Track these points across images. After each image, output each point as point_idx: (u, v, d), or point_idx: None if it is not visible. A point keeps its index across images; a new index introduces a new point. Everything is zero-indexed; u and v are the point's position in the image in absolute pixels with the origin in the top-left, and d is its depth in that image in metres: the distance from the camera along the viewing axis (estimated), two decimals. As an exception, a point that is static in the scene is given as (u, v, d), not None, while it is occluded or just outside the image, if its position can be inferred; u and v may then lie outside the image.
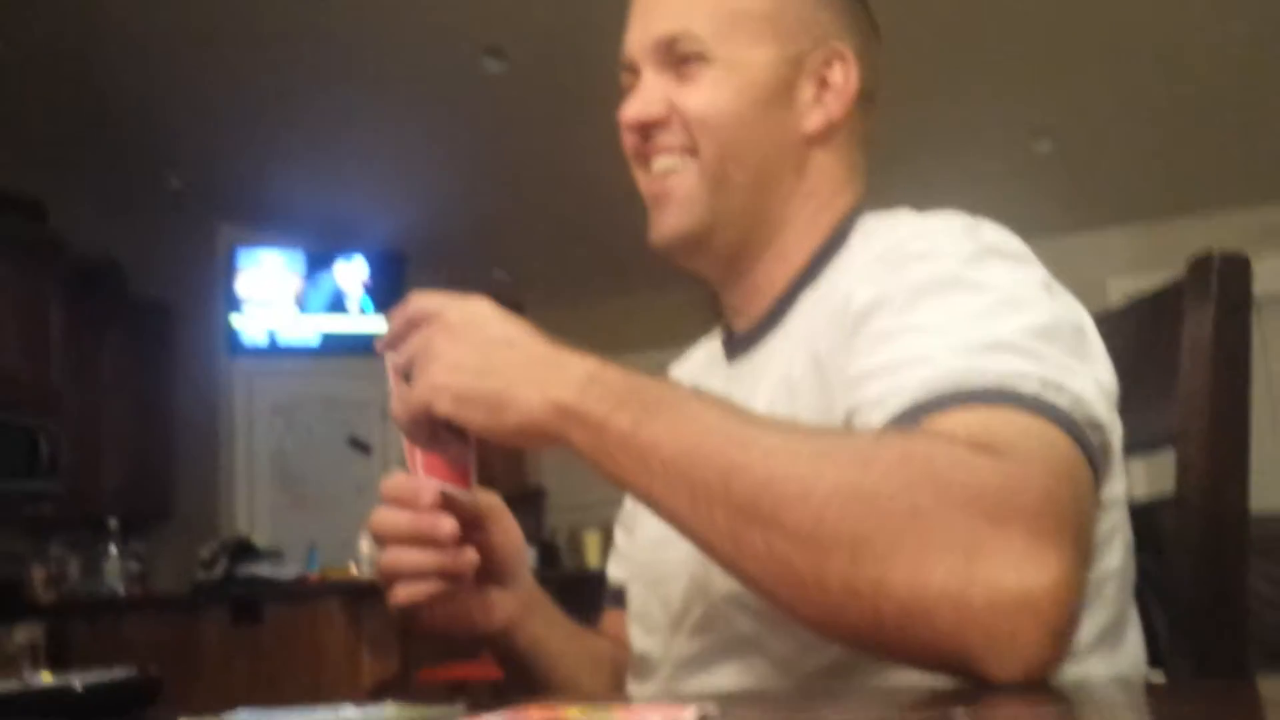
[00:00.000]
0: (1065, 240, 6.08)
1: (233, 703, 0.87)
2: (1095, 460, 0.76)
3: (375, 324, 7.04)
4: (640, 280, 7.34)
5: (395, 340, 0.92)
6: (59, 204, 5.96)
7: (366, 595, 4.85)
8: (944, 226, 0.93)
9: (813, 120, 1.05)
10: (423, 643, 4.87)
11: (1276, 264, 5.88)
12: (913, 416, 0.76)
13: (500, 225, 6.82)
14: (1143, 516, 0.96)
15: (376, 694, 4.61)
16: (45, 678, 1.39)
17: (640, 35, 1.06)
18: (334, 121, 5.64)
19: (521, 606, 1.07)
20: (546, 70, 5.16)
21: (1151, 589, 0.96)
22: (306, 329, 6.96)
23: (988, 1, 4.52)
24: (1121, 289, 6.01)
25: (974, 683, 0.66)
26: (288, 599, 5.08)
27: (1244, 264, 0.97)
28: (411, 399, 0.86)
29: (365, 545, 5.54)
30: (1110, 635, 0.88)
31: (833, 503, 0.67)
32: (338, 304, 7.00)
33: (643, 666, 1.09)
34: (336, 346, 6.97)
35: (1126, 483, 0.91)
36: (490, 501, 1.04)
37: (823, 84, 1.06)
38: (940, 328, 0.81)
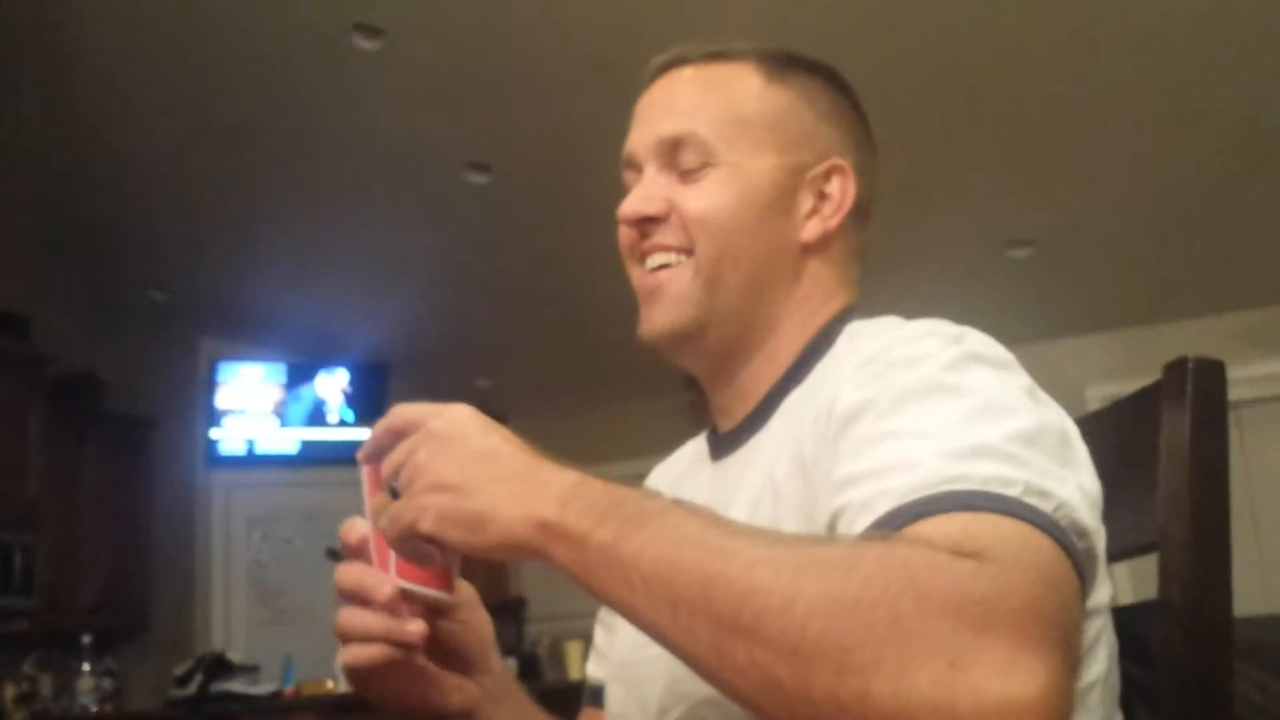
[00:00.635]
0: (1043, 346, 6.14)
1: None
2: (1081, 566, 0.75)
3: (356, 433, 7.02)
4: (623, 390, 7.36)
5: (377, 452, 0.92)
6: (40, 317, 5.99)
7: (343, 711, 4.77)
8: (929, 333, 0.93)
9: (809, 230, 1.07)
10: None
11: (1254, 369, 5.95)
12: (897, 521, 0.75)
13: (483, 334, 6.85)
14: (1126, 621, 0.95)
15: (353, 814, 4.51)
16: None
17: (645, 134, 1.08)
18: (316, 234, 5.70)
19: (484, 694, 1.07)
20: (529, 182, 5.24)
21: (1136, 695, 0.95)
22: (285, 439, 6.93)
23: (964, 110, 4.61)
24: (1100, 395, 6.04)
25: None
26: (263, 716, 4.99)
27: (1219, 369, 0.98)
28: (396, 516, 0.86)
29: (340, 662, 5.46)
30: None
31: (815, 614, 0.66)
32: (318, 414, 6.99)
33: None
34: (315, 456, 6.93)
35: (1111, 589, 0.91)
36: (465, 592, 1.04)
37: (821, 196, 1.08)
38: (924, 433, 0.80)
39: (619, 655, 1.12)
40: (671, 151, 1.05)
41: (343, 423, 7.03)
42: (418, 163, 5.10)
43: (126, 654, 6.25)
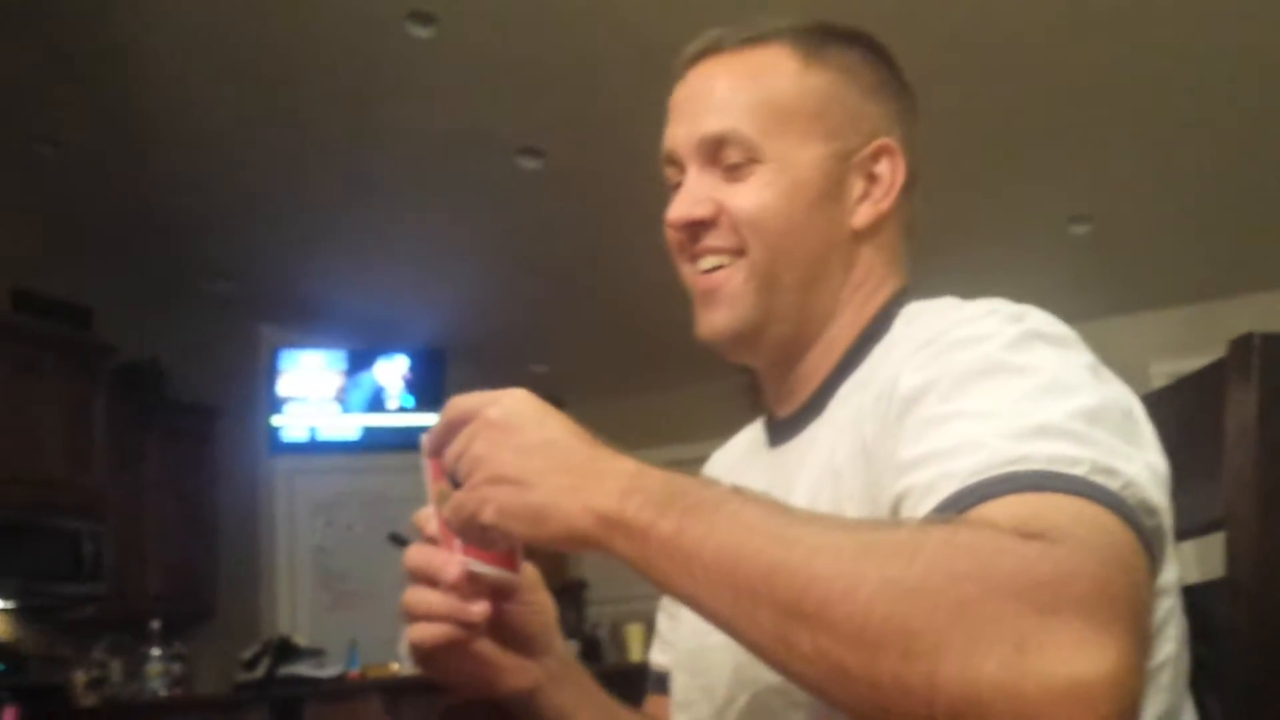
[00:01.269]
0: (1106, 324, 6.05)
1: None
2: (1150, 545, 0.74)
3: (416, 419, 7.07)
4: (677, 373, 7.35)
5: (439, 445, 0.94)
6: (104, 307, 6.09)
7: (407, 692, 4.82)
8: (989, 312, 0.92)
9: (861, 215, 1.06)
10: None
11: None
12: (962, 504, 0.75)
13: (538, 320, 6.87)
14: (1193, 600, 0.94)
15: (418, 795, 4.56)
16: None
17: (686, 131, 1.06)
18: (373, 221, 5.74)
19: (547, 675, 1.07)
20: (581, 166, 5.24)
21: (1202, 675, 0.94)
22: (347, 425, 7.00)
23: (1023, 87, 4.56)
24: (1163, 372, 5.96)
25: None
26: (329, 698, 5.06)
27: None
28: (459, 507, 0.88)
29: (406, 642, 5.51)
30: None
31: (879, 599, 0.66)
32: (378, 400, 7.05)
33: None
34: (377, 442, 7.00)
35: (1179, 568, 0.89)
36: (528, 575, 1.05)
37: (870, 178, 1.06)
38: (988, 413, 0.80)
39: (683, 643, 1.13)
40: (714, 150, 1.04)
41: (402, 408, 7.08)
42: (471, 149, 5.12)
43: (194, 639, 6.34)
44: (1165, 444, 0.87)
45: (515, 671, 1.05)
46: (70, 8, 4.29)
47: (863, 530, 0.73)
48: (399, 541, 7.18)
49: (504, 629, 1.03)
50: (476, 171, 5.30)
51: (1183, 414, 1.03)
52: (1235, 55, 4.41)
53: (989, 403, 0.81)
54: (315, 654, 5.54)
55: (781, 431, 1.10)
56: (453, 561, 0.94)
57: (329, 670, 5.40)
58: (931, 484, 0.78)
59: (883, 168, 1.06)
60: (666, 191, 1.10)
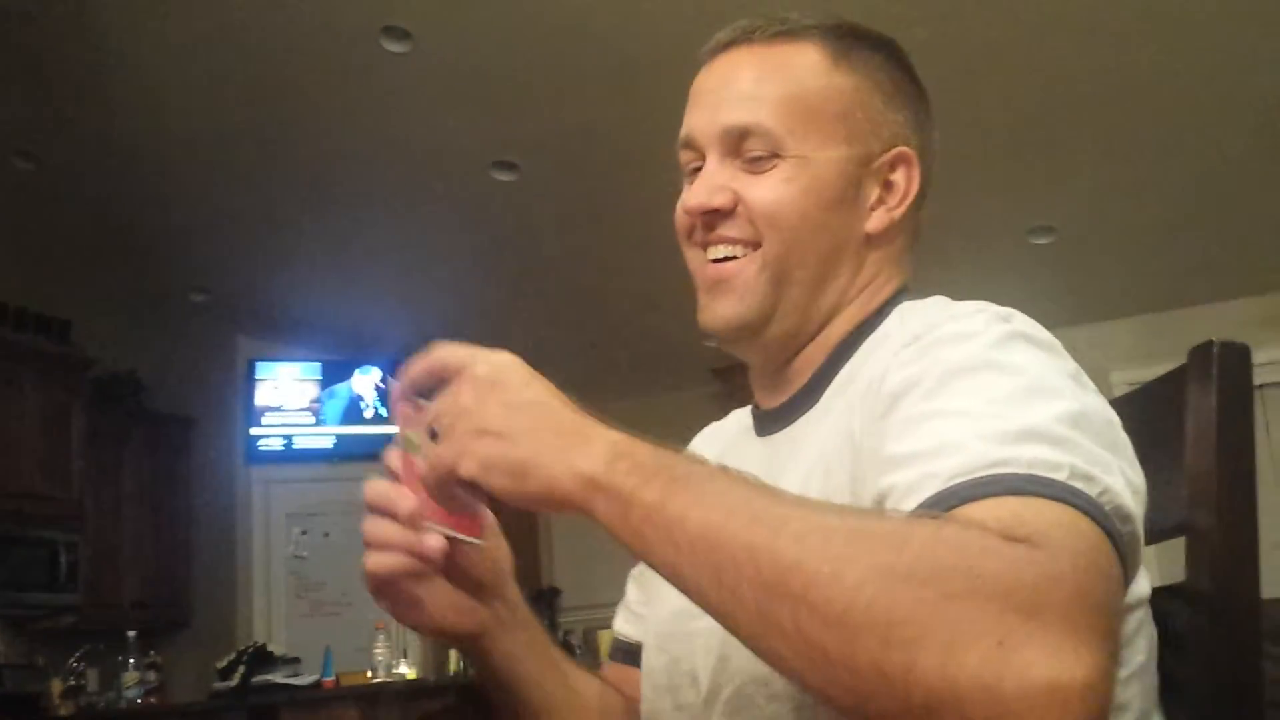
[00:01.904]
0: (1067, 333, 5.95)
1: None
2: (1124, 553, 0.74)
3: (390, 429, 7.08)
4: (648, 381, 7.41)
5: (413, 388, 0.93)
6: (82, 319, 6.08)
7: (383, 699, 4.84)
8: (976, 311, 0.92)
9: (874, 221, 1.06)
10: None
11: (1276, 352, 5.95)
12: (943, 504, 0.74)
13: (511, 329, 6.90)
14: (1154, 606, 0.94)
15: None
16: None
17: (709, 119, 1.05)
18: (348, 234, 5.76)
19: (496, 621, 1.06)
20: (555, 178, 5.28)
21: (1165, 681, 0.94)
22: (322, 435, 7.02)
23: (984, 98, 4.62)
24: (1125, 380, 6.04)
25: None
26: (304, 706, 5.07)
27: (1244, 352, 0.97)
28: (437, 459, 0.86)
29: (380, 650, 5.54)
30: None
31: (865, 585, 0.65)
32: (353, 410, 7.06)
33: None
34: (352, 451, 7.01)
35: (1150, 579, 0.90)
36: (484, 519, 1.03)
37: (886, 186, 1.06)
38: (970, 412, 0.80)
39: (662, 625, 1.11)
40: (737, 141, 1.03)
41: (377, 418, 7.11)
42: (446, 162, 5.15)
43: (170, 647, 6.34)
44: (1127, 451, 0.89)
45: (465, 613, 1.04)
46: (47, 22, 4.30)
47: (851, 516, 0.73)
48: (375, 550, 7.23)
49: (458, 572, 1.02)
50: (452, 184, 5.33)
51: (1144, 421, 1.02)
52: (1197, 69, 4.48)
53: (972, 401, 0.81)
54: (291, 662, 5.56)
55: (770, 421, 1.10)
56: (410, 498, 0.93)
57: (305, 678, 5.42)
58: (913, 484, 0.77)
59: (899, 176, 1.06)
60: (677, 174, 1.10)
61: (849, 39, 1.07)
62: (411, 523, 0.94)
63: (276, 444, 6.91)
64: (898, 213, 1.07)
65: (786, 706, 0.90)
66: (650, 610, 1.17)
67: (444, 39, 4.36)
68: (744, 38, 1.07)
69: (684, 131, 1.08)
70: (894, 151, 1.06)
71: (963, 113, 4.59)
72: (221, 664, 5.46)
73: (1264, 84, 4.57)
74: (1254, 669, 0.91)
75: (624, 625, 1.25)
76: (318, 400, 7.01)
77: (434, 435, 0.87)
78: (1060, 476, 0.74)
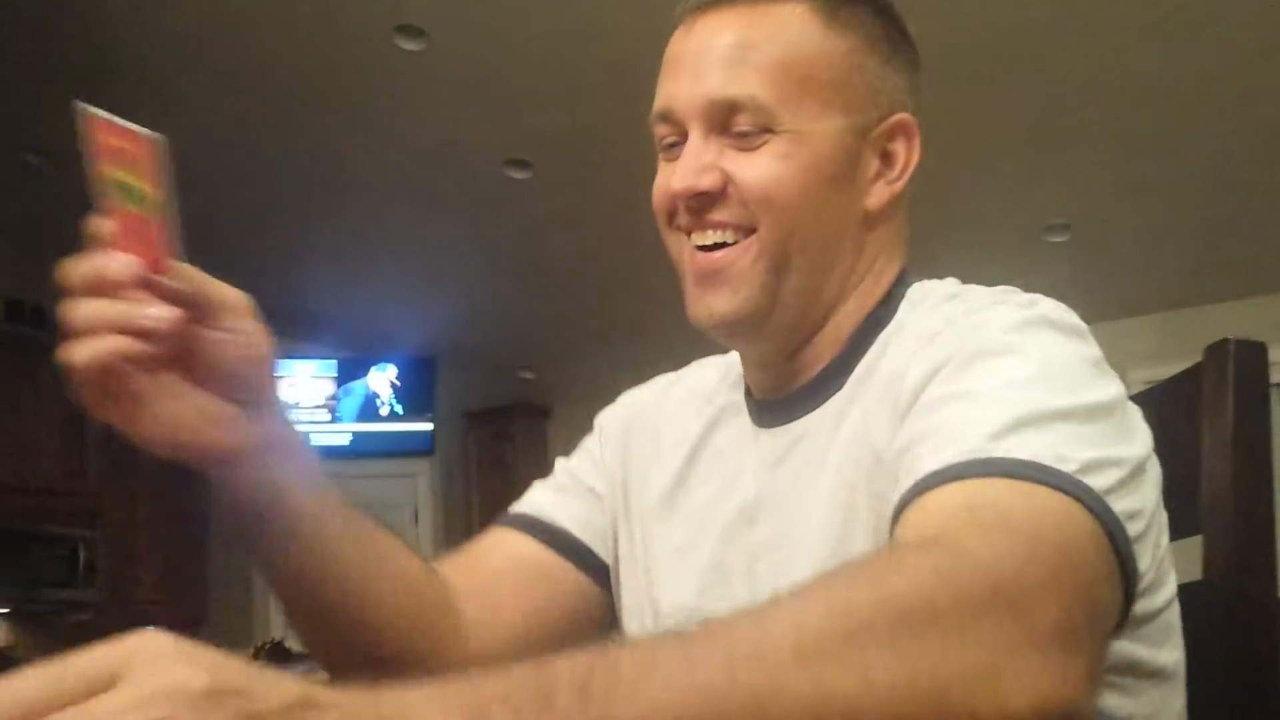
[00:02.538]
0: (1084, 330, 6.10)
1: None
2: (1122, 550, 0.70)
3: (405, 426, 7.11)
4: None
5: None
6: (96, 315, 6.10)
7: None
8: (997, 300, 0.90)
9: (875, 197, 0.97)
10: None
11: (1296, 349, 5.92)
12: (934, 482, 0.71)
13: (525, 327, 6.91)
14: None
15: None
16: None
17: (689, 89, 0.94)
18: (363, 232, 5.77)
19: (260, 436, 0.84)
20: (568, 177, 5.28)
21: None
22: (338, 433, 7.04)
23: (998, 95, 4.61)
24: (1140, 379, 5.98)
25: None
26: (322, 703, 5.07)
27: (1260, 350, 0.98)
28: None
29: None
30: None
31: (862, 676, 0.54)
32: (369, 408, 7.08)
33: None
34: (367, 448, 7.03)
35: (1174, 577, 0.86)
36: (230, 295, 0.85)
37: (885, 157, 0.98)
38: (984, 394, 0.77)
39: (662, 608, 1.02)
40: (725, 115, 0.93)
41: (393, 416, 7.12)
42: (460, 160, 5.16)
43: (187, 644, 6.36)
44: (1144, 449, 0.88)
45: (216, 422, 0.82)
46: (60, 18, 4.31)
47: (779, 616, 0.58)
48: (390, 547, 7.26)
49: (202, 367, 0.81)
50: (465, 182, 5.33)
51: (1160, 419, 1.01)
52: (1214, 65, 4.45)
53: (987, 383, 0.78)
54: (308, 658, 5.55)
55: (773, 413, 1.01)
56: (130, 263, 0.75)
57: (322, 675, 5.43)
58: (911, 465, 0.75)
59: (898, 145, 0.98)
60: (653, 149, 1.00)
61: None
62: (133, 287, 0.74)
63: (292, 441, 6.94)
64: (898, 185, 0.98)
65: None
66: (595, 508, 1.10)
67: (458, 37, 4.36)
68: None
69: (660, 103, 0.97)
70: (893, 119, 0.97)
71: (977, 109, 4.57)
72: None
73: (1277, 78, 4.53)
74: (1270, 668, 0.91)
75: (551, 506, 1.11)
76: (333, 398, 7.03)
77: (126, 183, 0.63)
78: (1066, 468, 0.71)
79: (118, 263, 0.76)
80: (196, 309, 0.80)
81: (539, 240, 5.87)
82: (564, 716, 0.49)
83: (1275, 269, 6.10)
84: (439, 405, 7.32)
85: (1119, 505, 0.72)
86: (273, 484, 0.86)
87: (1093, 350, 0.85)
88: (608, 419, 1.18)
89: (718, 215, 0.93)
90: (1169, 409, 1.02)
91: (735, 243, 0.93)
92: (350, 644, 0.94)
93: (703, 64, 0.94)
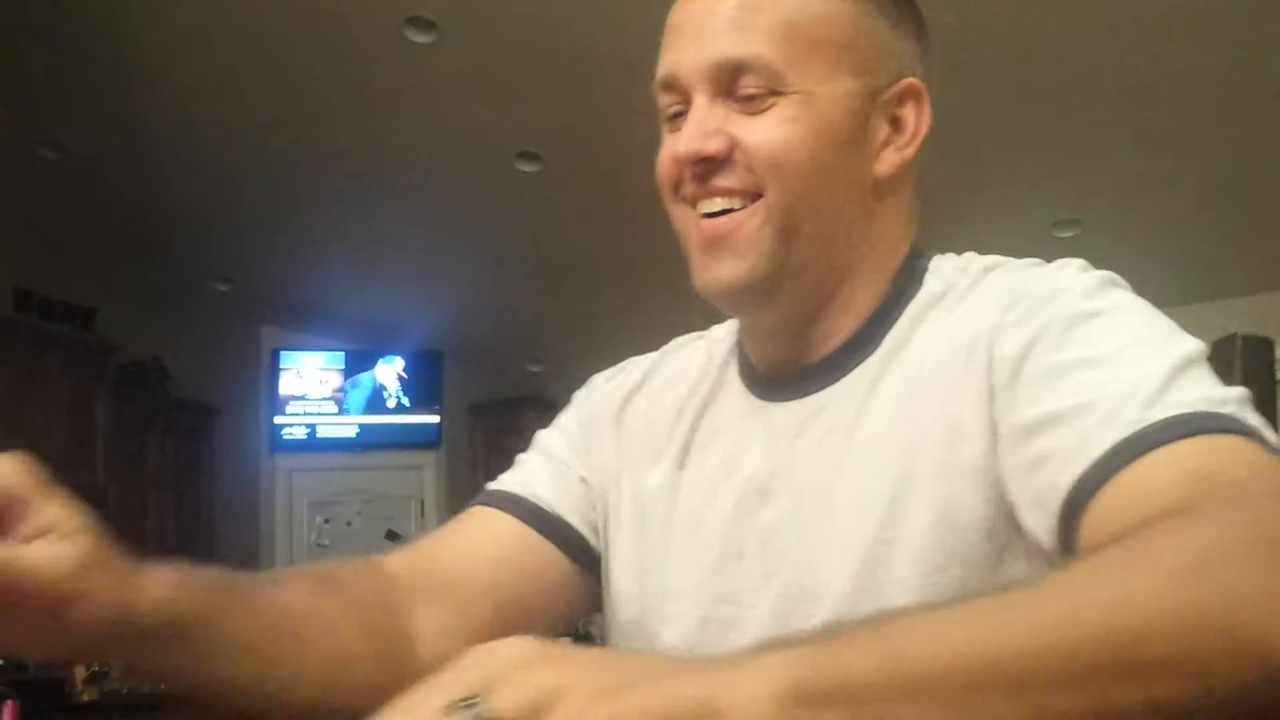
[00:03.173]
0: (1093, 325, 6.10)
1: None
2: None
3: (412, 418, 7.13)
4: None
5: None
6: (106, 308, 6.12)
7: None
8: (1061, 264, 0.89)
9: (884, 163, 0.94)
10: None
11: (1303, 345, 5.92)
12: (1126, 454, 0.70)
13: (533, 320, 6.91)
14: None
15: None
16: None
17: (695, 54, 0.91)
18: (372, 224, 5.78)
19: (120, 625, 0.73)
20: (578, 170, 5.29)
21: None
22: (345, 424, 7.06)
23: (1009, 90, 4.61)
24: (1150, 373, 6.01)
25: None
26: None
27: (1267, 345, 0.97)
28: None
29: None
30: None
31: (1179, 606, 0.53)
32: (376, 400, 7.10)
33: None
34: (374, 440, 7.05)
35: None
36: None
37: (894, 122, 0.94)
38: (1114, 358, 0.76)
39: (671, 586, 0.99)
40: (731, 78, 0.89)
41: (400, 408, 7.14)
42: (469, 153, 5.16)
43: (193, 635, 6.38)
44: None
45: (54, 635, 0.71)
46: (73, 14, 4.32)
47: (1082, 572, 0.58)
48: (397, 539, 7.27)
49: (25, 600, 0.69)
50: (475, 175, 5.34)
51: None
52: (1222, 61, 4.44)
53: (1110, 346, 0.76)
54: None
55: (785, 387, 0.97)
56: None
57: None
58: (1080, 443, 0.72)
59: (907, 111, 0.95)
60: (656, 120, 0.97)
61: None
62: None
63: (300, 433, 6.95)
64: (909, 151, 0.95)
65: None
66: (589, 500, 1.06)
67: (468, 30, 4.37)
68: None
69: (663, 71, 0.94)
70: (902, 83, 0.94)
71: (987, 103, 4.56)
72: (244, 651, 5.49)
73: (1287, 74, 4.54)
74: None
75: (542, 486, 1.07)
76: (341, 390, 7.05)
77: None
78: (1228, 410, 0.70)
79: None
80: None
81: (548, 233, 5.88)
82: (867, 657, 0.51)
83: (1283, 265, 6.11)
84: (446, 398, 7.33)
85: (1271, 438, 0.71)
86: (132, 627, 0.74)
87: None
88: (589, 406, 1.14)
89: (724, 181, 0.90)
90: (1175, 403, 1.02)
91: (742, 208, 0.90)
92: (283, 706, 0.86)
93: (707, 28, 0.91)
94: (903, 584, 0.83)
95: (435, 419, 7.24)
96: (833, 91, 0.90)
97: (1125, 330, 0.78)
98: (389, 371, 7.15)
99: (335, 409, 7.04)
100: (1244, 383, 0.94)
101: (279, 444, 6.91)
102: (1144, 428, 0.69)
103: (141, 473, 6.33)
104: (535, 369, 7.55)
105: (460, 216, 5.73)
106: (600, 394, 1.13)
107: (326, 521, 7.03)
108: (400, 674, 0.74)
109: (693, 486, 1.00)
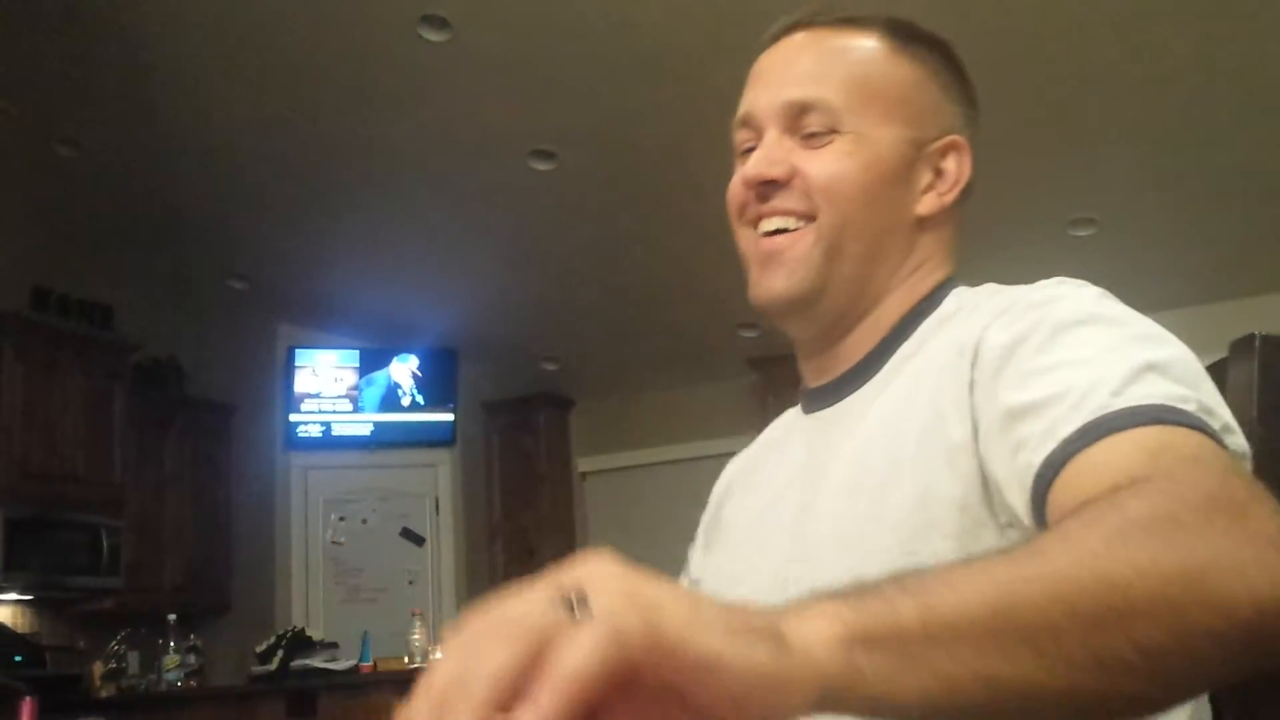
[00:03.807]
0: (1110, 324, 6.07)
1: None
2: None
3: (427, 416, 7.15)
4: (686, 372, 7.39)
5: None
6: (124, 306, 6.15)
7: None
8: (1058, 281, 0.96)
9: (925, 204, 1.08)
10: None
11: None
12: (1087, 437, 0.77)
13: (548, 319, 6.91)
14: None
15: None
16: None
17: (770, 97, 1.07)
18: (386, 222, 5.79)
19: None
20: (593, 168, 5.28)
21: None
22: (360, 422, 7.07)
23: (1025, 89, 4.59)
24: (1168, 372, 5.98)
25: None
26: (342, 690, 5.11)
27: None
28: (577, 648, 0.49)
29: (418, 635, 5.57)
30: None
31: (1165, 564, 0.61)
32: (391, 398, 7.11)
33: None
34: (389, 438, 7.06)
35: None
36: None
37: (938, 172, 1.08)
38: (1090, 359, 0.82)
39: (711, 583, 1.14)
40: (797, 116, 1.05)
41: (415, 406, 7.15)
42: (484, 151, 5.17)
43: (210, 631, 6.41)
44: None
45: None
46: (91, 13, 4.34)
47: (1077, 529, 0.66)
48: (411, 537, 7.30)
49: None
50: (489, 173, 5.34)
51: None
52: (1239, 59, 4.42)
53: (1089, 350, 0.83)
54: (329, 647, 5.60)
55: (820, 398, 1.11)
56: None
57: (342, 663, 5.46)
58: (1049, 429, 0.79)
59: (950, 163, 1.08)
60: (730, 156, 1.11)
61: (908, 33, 1.10)
62: None
63: (315, 431, 6.97)
64: (948, 198, 1.08)
65: None
66: (705, 570, 1.20)
67: (482, 28, 4.38)
68: (807, 22, 1.10)
69: (742, 109, 1.09)
70: (947, 139, 1.08)
71: (1002, 102, 4.55)
72: (260, 648, 5.52)
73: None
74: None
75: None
76: (356, 388, 7.06)
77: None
78: (1188, 408, 0.76)
79: None
80: None
81: (563, 231, 5.88)
82: (908, 606, 0.58)
83: (1305, 263, 6.07)
84: (461, 396, 7.34)
85: (1235, 446, 0.78)
86: None
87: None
88: (710, 502, 1.27)
89: (783, 203, 1.04)
90: (1194, 404, 1.03)
91: (797, 229, 1.04)
92: None
93: (783, 75, 1.07)
94: (885, 553, 0.91)
95: (450, 417, 7.25)
96: (884, 136, 1.04)
97: (1107, 336, 0.85)
98: (404, 369, 7.16)
99: (350, 407, 7.05)
100: (1264, 383, 0.94)
101: (294, 442, 6.92)
102: (1107, 414, 0.77)
103: (158, 470, 6.36)
104: (550, 367, 7.55)
105: (475, 214, 5.73)
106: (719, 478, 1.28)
107: (342, 519, 7.05)
108: None
109: (757, 488, 1.16)
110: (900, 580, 0.61)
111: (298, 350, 6.95)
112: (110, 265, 6.18)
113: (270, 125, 5.02)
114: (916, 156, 1.07)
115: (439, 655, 0.52)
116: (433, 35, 4.38)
